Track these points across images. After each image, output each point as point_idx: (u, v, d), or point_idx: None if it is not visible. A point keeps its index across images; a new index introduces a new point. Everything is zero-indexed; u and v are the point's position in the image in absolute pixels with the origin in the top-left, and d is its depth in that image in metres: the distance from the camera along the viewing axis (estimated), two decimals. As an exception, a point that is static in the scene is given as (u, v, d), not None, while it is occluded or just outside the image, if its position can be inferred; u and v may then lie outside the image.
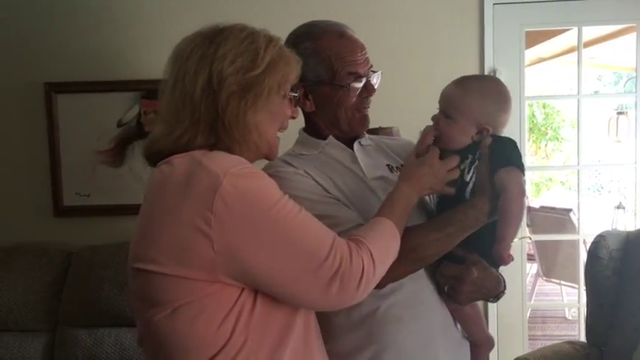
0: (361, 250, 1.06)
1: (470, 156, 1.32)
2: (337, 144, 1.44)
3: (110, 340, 2.36)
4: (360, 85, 1.39)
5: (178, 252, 1.01)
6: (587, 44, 3.06)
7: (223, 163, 1.03)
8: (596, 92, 7.17)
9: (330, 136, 1.43)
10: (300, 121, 1.48)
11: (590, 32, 3.32)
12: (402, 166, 1.45)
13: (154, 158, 1.15)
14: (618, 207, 4.94)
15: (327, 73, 1.36)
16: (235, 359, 1.05)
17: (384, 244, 1.12)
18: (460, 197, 1.31)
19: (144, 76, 2.61)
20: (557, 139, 8.16)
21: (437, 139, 1.34)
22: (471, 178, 1.31)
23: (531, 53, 3.93)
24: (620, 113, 6.14)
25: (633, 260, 2.13)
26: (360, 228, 1.16)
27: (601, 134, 6.59)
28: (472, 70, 2.60)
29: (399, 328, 1.31)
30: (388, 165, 1.46)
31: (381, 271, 1.10)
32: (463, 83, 1.36)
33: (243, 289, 1.06)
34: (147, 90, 2.62)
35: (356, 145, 1.45)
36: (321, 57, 1.36)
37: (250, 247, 1.01)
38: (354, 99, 1.39)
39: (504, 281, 1.42)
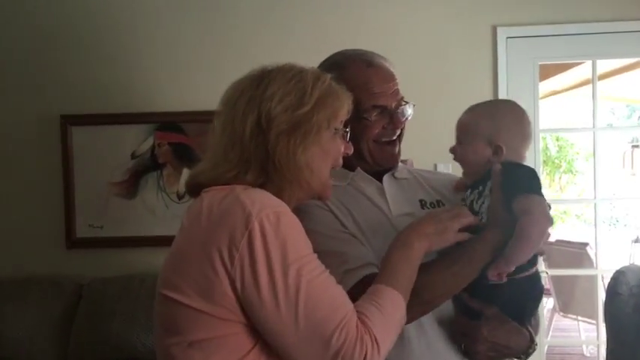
0: (366, 334, 1.01)
1: (480, 186, 1.26)
2: (365, 176, 1.39)
3: (120, 375, 2.33)
4: (383, 117, 1.34)
5: (202, 285, 1.00)
6: (600, 77, 3.04)
7: (260, 202, 1.01)
8: (609, 125, 7.14)
9: (359, 168, 1.38)
10: None
11: (603, 65, 3.31)
12: (437, 201, 1.39)
13: (195, 190, 1.14)
14: (636, 241, 4.86)
15: (351, 104, 1.31)
16: None
17: (388, 320, 1.06)
18: (474, 229, 1.21)
19: (158, 108, 2.65)
20: (571, 171, 8.12)
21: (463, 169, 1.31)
22: (480, 209, 1.24)
23: (545, 86, 3.93)
24: (635, 146, 6.10)
25: (654, 296, 2.08)
26: (363, 300, 1.07)
27: (615, 167, 6.55)
28: (486, 103, 2.59)
29: None
30: (421, 200, 1.38)
31: (387, 348, 1.05)
32: (473, 108, 1.34)
33: (259, 339, 1.03)
34: (161, 122, 2.65)
35: (386, 178, 1.39)
36: (345, 87, 1.33)
37: (263, 297, 0.98)
38: (376, 131, 1.34)
39: (532, 335, 1.29)
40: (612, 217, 7.55)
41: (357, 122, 1.32)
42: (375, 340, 1.01)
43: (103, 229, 2.68)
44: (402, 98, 1.38)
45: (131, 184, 2.67)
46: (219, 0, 2.66)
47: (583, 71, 3.61)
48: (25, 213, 2.70)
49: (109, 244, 2.67)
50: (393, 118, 1.35)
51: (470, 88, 2.60)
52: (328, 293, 1.02)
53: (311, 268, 1.01)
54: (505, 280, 1.19)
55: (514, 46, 2.59)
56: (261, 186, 1.09)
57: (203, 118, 2.56)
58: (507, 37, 2.58)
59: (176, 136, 2.67)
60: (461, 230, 1.18)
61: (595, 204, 2.80)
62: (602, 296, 3.05)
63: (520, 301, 1.27)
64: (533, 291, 1.29)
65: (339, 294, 1.04)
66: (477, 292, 1.23)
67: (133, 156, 2.67)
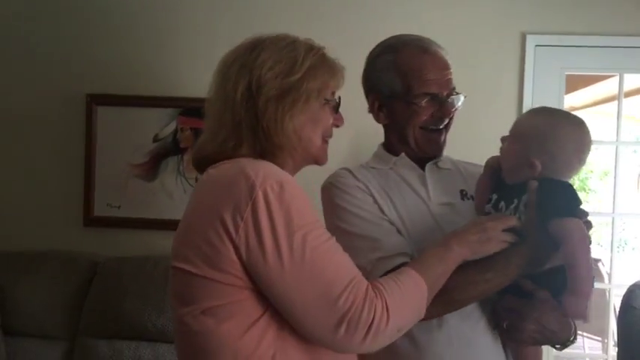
0: (377, 298, 1.02)
1: (515, 200, 1.25)
2: (408, 162, 1.40)
3: (129, 353, 2.34)
4: (433, 104, 1.35)
5: (210, 254, 1.03)
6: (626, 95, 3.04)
7: (264, 173, 1.04)
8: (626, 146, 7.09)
9: (403, 154, 1.40)
10: (381, 135, 1.48)
11: (626, 83, 3.30)
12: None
13: (202, 164, 1.17)
14: (647, 262, 4.82)
15: (402, 88, 1.33)
16: None
17: (404, 296, 1.07)
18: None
19: (183, 93, 2.66)
20: (584, 189, 8.07)
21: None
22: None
23: (568, 100, 3.92)
24: (650, 168, 6.06)
25: (669, 313, 2.07)
26: (386, 277, 1.10)
27: (629, 188, 6.50)
28: (510, 110, 2.59)
29: None
30: (462, 191, 1.39)
31: (396, 325, 1.05)
32: (537, 111, 1.31)
33: (269, 306, 1.05)
34: (185, 107, 2.66)
35: (428, 166, 1.40)
36: (398, 71, 1.34)
37: (268, 264, 1.00)
38: (424, 118, 1.36)
39: (575, 328, 1.30)
40: (621, 239, 7.49)
41: (405, 106, 1.34)
42: (386, 307, 1.02)
43: (121, 209, 2.69)
44: (454, 88, 1.39)
45: (151, 167, 2.68)
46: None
47: (605, 87, 3.60)
48: (46, 189, 2.73)
49: (125, 225, 2.68)
50: (442, 107, 1.36)
51: (496, 93, 2.60)
52: (335, 259, 1.04)
53: (316, 235, 1.03)
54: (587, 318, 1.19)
55: (542, 54, 2.59)
56: (260, 156, 1.11)
57: (227, 105, 2.62)
58: (536, 45, 2.57)
59: (199, 121, 2.66)
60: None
61: (613, 218, 2.79)
62: (612, 313, 3.04)
63: None
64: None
65: (346, 260, 1.06)
66: (528, 275, 1.23)
67: (156, 139, 2.68)
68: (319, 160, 1.21)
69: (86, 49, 2.72)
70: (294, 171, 1.20)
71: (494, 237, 1.19)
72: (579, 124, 1.30)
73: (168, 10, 2.69)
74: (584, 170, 8.35)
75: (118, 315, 2.36)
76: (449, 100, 1.37)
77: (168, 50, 2.70)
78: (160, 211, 2.66)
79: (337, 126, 1.23)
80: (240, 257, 1.01)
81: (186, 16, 2.69)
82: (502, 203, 1.28)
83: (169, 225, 2.61)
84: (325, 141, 1.21)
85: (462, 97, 1.40)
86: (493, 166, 1.32)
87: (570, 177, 1.30)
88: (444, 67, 1.38)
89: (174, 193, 2.68)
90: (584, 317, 1.19)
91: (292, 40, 1.17)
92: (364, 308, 1.00)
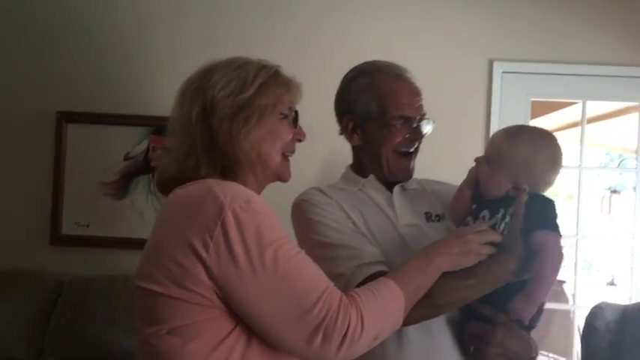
0: (351, 307, 1.03)
1: (502, 210, 1.27)
2: (377, 184, 1.44)
3: (95, 375, 2.30)
4: (406, 128, 1.40)
5: (177, 274, 1.03)
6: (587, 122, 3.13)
7: (233, 193, 1.05)
8: (590, 170, 7.27)
9: (372, 175, 1.43)
10: (349, 157, 1.51)
11: (589, 110, 3.40)
12: (442, 214, 1.43)
13: (166, 186, 1.17)
14: (610, 283, 4.94)
15: (377, 110, 1.38)
16: None
17: (380, 304, 1.08)
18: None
19: (155, 112, 2.64)
20: (549, 212, 8.22)
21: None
22: (502, 234, 1.26)
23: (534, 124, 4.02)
24: (613, 192, 6.23)
25: (630, 334, 2.12)
26: (362, 287, 1.12)
27: (594, 211, 6.66)
28: (478, 134, 2.65)
29: None
30: (427, 213, 1.43)
31: (372, 333, 1.06)
32: (514, 135, 1.32)
33: (238, 322, 1.06)
34: (157, 126, 2.65)
35: (396, 189, 1.44)
36: (374, 94, 1.38)
37: (241, 279, 1.01)
38: (398, 139, 1.40)
39: (536, 346, 1.34)
40: (585, 261, 7.65)
41: (380, 128, 1.39)
42: (361, 316, 1.03)
43: (90, 228, 2.66)
44: (425, 114, 1.44)
45: (122, 185, 2.67)
46: (223, 9, 2.69)
47: (569, 114, 3.71)
48: (13, 206, 2.69)
49: (94, 243, 2.65)
50: (414, 131, 1.42)
51: (464, 118, 2.66)
52: (307, 270, 1.05)
53: (287, 249, 1.04)
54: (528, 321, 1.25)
55: (509, 80, 2.66)
56: (222, 176, 1.13)
57: (200, 125, 2.63)
58: (503, 72, 2.65)
59: (171, 141, 2.68)
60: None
61: (577, 240, 2.86)
62: (576, 334, 3.10)
63: None
64: (541, 305, 1.32)
65: (318, 271, 1.07)
66: (488, 300, 1.27)
67: (127, 157, 2.67)
68: (281, 176, 1.22)
69: (57, 66, 2.71)
70: (258, 189, 1.21)
71: (475, 249, 1.22)
72: (554, 141, 1.35)
73: (141, 28, 2.70)
74: (550, 193, 8.52)
75: (83, 336, 2.32)
76: (420, 124, 1.42)
77: (140, 68, 2.70)
78: (130, 229, 2.64)
79: (300, 140, 1.25)
80: (211, 277, 1.01)
81: (158, 34, 2.70)
82: (485, 212, 1.31)
83: (139, 244, 2.53)
84: (286, 157, 1.23)
85: (431, 123, 1.45)
86: (475, 179, 1.35)
87: (545, 190, 1.34)
88: (416, 93, 1.44)
89: (144, 212, 2.67)
90: (526, 320, 1.25)
91: (244, 62, 1.20)
92: (338, 317, 1.01)
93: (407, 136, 1.41)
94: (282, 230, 1.07)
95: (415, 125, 1.41)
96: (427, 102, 2.58)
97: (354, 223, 1.34)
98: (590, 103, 2.78)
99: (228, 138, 1.12)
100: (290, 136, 1.22)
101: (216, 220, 1.01)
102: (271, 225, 1.06)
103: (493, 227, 1.27)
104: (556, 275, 1.24)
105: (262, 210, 1.06)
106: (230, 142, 1.13)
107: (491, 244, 1.24)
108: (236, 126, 1.13)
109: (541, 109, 3.51)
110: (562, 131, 4.50)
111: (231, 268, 1.01)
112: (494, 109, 2.65)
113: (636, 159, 2.76)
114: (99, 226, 2.66)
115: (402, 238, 1.36)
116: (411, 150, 1.43)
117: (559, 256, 1.24)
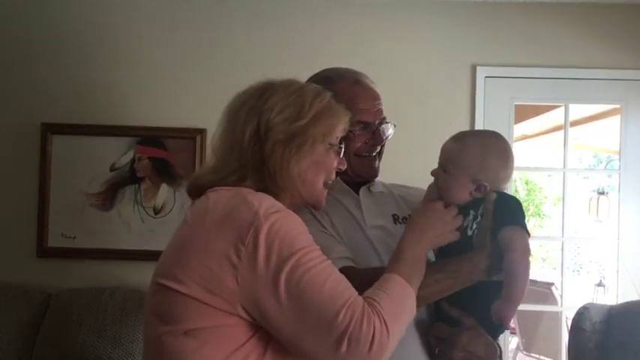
0: (373, 314, 1.03)
1: (472, 212, 1.29)
2: (343, 187, 1.45)
3: (83, 387, 2.28)
4: (365, 133, 1.42)
5: (205, 277, 1.03)
6: (571, 124, 3.17)
7: (267, 203, 1.07)
8: (577, 173, 7.33)
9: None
10: None
11: (574, 113, 3.45)
12: (409, 216, 1.43)
13: (195, 192, 1.19)
14: (599, 284, 4.98)
15: None
16: None
17: (397, 304, 1.09)
18: (464, 249, 1.27)
19: (141, 122, 2.67)
20: (538, 215, 8.28)
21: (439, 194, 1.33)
22: (473, 234, 1.27)
23: (518, 129, 4.06)
24: (600, 193, 6.27)
25: (615, 334, 2.14)
26: (372, 288, 1.11)
27: (582, 213, 6.71)
28: (462, 138, 2.66)
29: None
30: (394, 215, 1.45)
31: (397, 332, 1.06)
32: (461, 138, 1.35)
33: (256, 332, 1.06)
34: (143, 136, 2.66)
35: (362, 191, 1.46)
36: None
37: (267, 287, 1.02)
38: (358, 145, 1.42)
39: (500, 350, 1.36)
40: (577, 263, 7.70)
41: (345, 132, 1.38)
42: (384, 321, 1.03)
43: (76, 240, 2.65)
44: (385, 118, 1.46)
45: (108, 196, 2.66)
46: (208, 21, 2.70)
47: (554, 116, 3.75)
48: (-2, 218, 2.67)
49: (81, 255, 2.64)
50: (375, 135, 1.43)
51: (448, 123, 2.66)
52: (331, 278, 1.05)
53: (312, 257, 1.05)
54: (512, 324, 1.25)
55: (492, 85, 2.69)
56: (262, 191, 1.14)
57: (185, 134, 2.65)
58: (486, 76, 2.68)
59: (157, 151, 2.68)
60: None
61: (563, 242, 2.88)
62: (564, 335, 3.12)
63: None
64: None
65: (342, 280, 1.07)
66: (456, 302, 1.28)
67: (113, 168, 2.67)
68: (318, 204, 1.25)
69: (41, 78, 2.70)
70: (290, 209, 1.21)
71: (450, 228, 1.25)
72: (502, 138, 1.38)
73: (126, 39, 2.71)
74: (539, 196, 8.60)
75: (72, 348, 2.31)
76: (380, 128, 1.44)
77: (125, 79, 2.70)
78: (117, 241, 2.64)
79: (340, 170, 1.27)
80: (239, 283, 1.02)
81: (144, 45, 2.71)
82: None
83: (126, 255, 2.62)
84: (326, 185, 1.25)
85: (392, 126, 1.47)
86: (436, 192, 1.36)
87: (505, 188, 1.36)
88: (375, 97, 1.45)
89: (131, 223, 2.66)
90: (508, 323, 1.26)
91: (301, 86, 1.22)
92: (362, 323, 1.01)
93: (367, 140, 1.43)
94: (309, 239, 1.08)
95: (375, 130, 1.43)
96: (411, 107, 2.64)
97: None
98: (576, 106, 2.81)
99: (279, 163, 1.14)
100: (334, 165, 1.24)
101: (249, 227, 1.02)
102: (300, 234, 1.07)
103: (465, 229, 1.28)
104: (528, 272, 1.24)
105: (294, 220, 1.08)
106: (280, 166, 1.15)
107: (464, 240, 1.26)
108: (288, 153, 1.15)
109: (525, 113, 3.55)
110: (547, 134, 4.55)
111: (260, 275, 1.02)
112: (478, 113, 2.68)
113: (620, 160, 2.79)
114: (85, 237, 2.65)
115: (369, 239, 1.38)
116: (373, 154, 1.45)
117: (526, 251, 1.25)
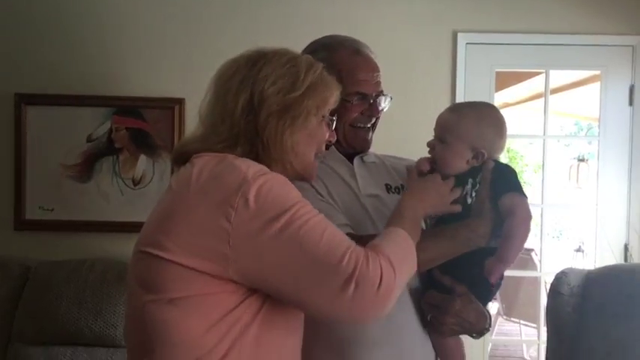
0: (378, 256, 1.03)
1: (470, 180, 1.31)
2: (338, 156, 1.45)
3: (65, 359, 2.28)
4: (362, 104, 1.41)
5: (193, 243, 1.02)
6: (552, 91, 3.18)
7: (255, 167, 1.06)
8: (558, 140, 7.39)
9: (332, 147, 1.44)
10: None
11: (555, 80, 3.45)
12: (401, 186, 1.46)
13: (180, 160, 1.17)
14: (577, 250, 5.06)
15: None
16: None
17: (401, 249, 1.10)
18: (461, 216, 1.29)
19: (117, 92, 2.61)
20: (519, 182, 8.36)
21: (434, 164, 1.34)
22: (472, 201, 1.30)
23: (499, 97, 4.06)
24: (580, 160, 6.35)
25: (593, 297, 2.17)
26: (374, 239, 1.12)
27: (562, 180, 6.79)
28: (443, 106, 2.62)
29: (372, 351, 1.28)
30: (387, 184, 1.46)
31: (403, 277, 1.07)
32: (458, 108, 1.39)
33: (243, 300, 1.05)
34: (120, 106, 2.61)
35: (356, 160, 1.47)
36: (332, 69, 1.34)
37: (263, 246, 1.01)
38: (354, 115, 1.42)
39: (490, 317, 1.39)
40: (557, 229, 7.81)
41: (337, 104, 1.37)
42: (390, 262, 1.03)
43: (54, 212, 2.62)
44: (382, 91, 1.45)
45: (85, 168, 2.62)
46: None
47: (535, 84, 3.75)
48: (-28, 191, 2.62)
49: (59, 228, 2.61)
50: (371, 106, 1.43)
51: (429, 91, 2.66)
52: (328, 230, 1.05)
53: (307, 210, 1.05)
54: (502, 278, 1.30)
55: (473, 52, 2.67)
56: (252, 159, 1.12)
57: (163, 104, 2.60)
58: (467, 43, 2.65)
59: (134, 121, 2.63)
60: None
61: (542, 209, 2.91)
62: (544, 300, 3.17)
63: (486, 284, 1.35)
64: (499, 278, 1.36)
65: (339, 232, 1.07)
66: (448, 271, 1.31)
67: (89, 139, 2.62)
68: (310, 176, 1.24)
69: (14, 47, 2.63)
70: None
71: (448, 198, 1.28)
72: (495, 108, 1.42)
73: (103, 9, 2.63)
74: (520, 164, 8.67)
75: (52, 320, 2.29)
76: (377, 100, 1.44)
77: (101, 48, 2.63)
78: (96, 213, 2.61)
79: (330, 142, 1.27)
80: (231, 245, 1.00)
81: (119, 12, 2.64)
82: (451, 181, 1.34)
83: (106, 227, 2.60)
84: (317, 157, 1.24)
85: (388, 99, 1.47)
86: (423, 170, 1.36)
87: (499, 158, 1.39)
88: (374, 69, 1.45)
89: (110, 195, 2.63)
90: (494, 280, 1.30)
91: (294, 56, 1.20)
92: (369, 265, 1.00)
93: (363, 111, 1.43)
94: (299, 195, 1.08)
95: (372, 101, 1.43)
96: (392, 74, 2.58)
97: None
98: (556, 74, 2.80)
99: (273, 134, 1.13)
100: (326, 138, 1.24)
101: (237, 190, 1.01)
102: (289, 191, 1.07)
103: (465, 197, 1.30)
104: (527, 235, 1.28)
105: (282, 179, 1.08)
106: (274, 138, 1.14)
107: (463, 213, 1.28)
108: (282, 125, 1.14)
109: (506, 80, 3.54)
110: (528, 102, 4.56)
111: (254, 235, 1.00)
112: (459, 80, 2.66)
113: (599, 127, 2.80)
114: (63, 209, 2.62)
115: (365, 207, 1.39)
116: (368, 125, 1.46)
117: (528, 217, 1.27)
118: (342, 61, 1.40)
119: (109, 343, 2.27)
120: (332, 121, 1.24)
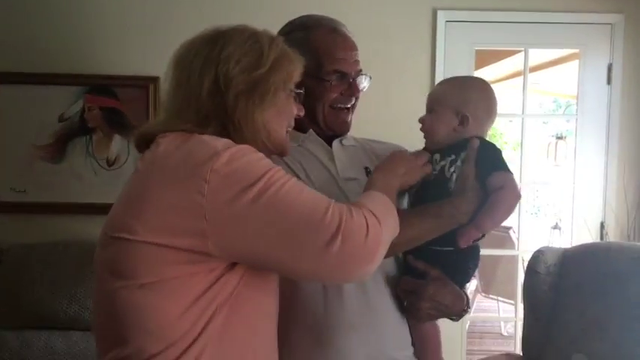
0: (361, 209, 1.03)
1: (453, 155, 1.31)
2: (317, 139, 1.43)
3: (39, 343, 2.25)
4: (342, 83, 1.39)
5: (167, 222, 0.99)
6: (531, 70, 3.17)
7: (224, 141, 1.04)
8: (537, 119, 7.42)
9: (311, 130, 1.43)
10: None
11: (535, 58, 3.44)
12: None
13: (143, 144, 1.14)
14: (554, 227, 5.10)
15: (313, 65, 1.34)
16: (187, 352, 1.02)
17: (382, 207, 1.09)
18: (442, 193, 1.29)
19: (89, 70, 2.56)
20: (498, 160, 8.41)
21: (426, 139, 1.36)
22: (451, 176, 1.30)
23: (478, 75, 4.04)
24: (559, 138, 6.39)
25: (569, 275, 2.20)
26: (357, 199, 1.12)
27: (541, 158, 6.83)
28: (423, 84, 2.64)
29: (349, 335, 1.28)
30: (366, 168, 1.44)
31: (389, 230, 1.06)
32: (446, 80, 1.42)
33: (216, 280, 1.03)
34: (92, 85, 2.55)
35: (335, 143, 1.45)
36: (309, 48, 1.35)
37: (241, 216, 0.98)
38: (334, 95, 1.39)
39: (468, 299, 1.39)
40: (535, 206, 7.89)
41: (316, 83, 1.37)
42: (373, 213, 1.03)
43: (27, 194, 2.56)
44: (361, 70, 1.43)
45: (58, 149, 2.56)
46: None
47: (515, 62, 3.74)
48: (-59, 173, 2.55)
49: (32, 210, 2.56)
50: (351, 86, 1.40)
51: (409, 68, 2.64)
52: (305, 190, 1.04)
53: (281, 175, 1.03)
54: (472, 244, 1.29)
55: (453, 29, 2.65)
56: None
57: (137, 83, 2.54)
58: (446, 21, 2.63)
59: (107, 100, 2.57)
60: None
61: (520, 187, 2.91)
62: (521, 277, 3.20)
63: (462, 266, 1.36)
64: (474, 259, 1.38)
65: (315, 192, 1.06)
66: (422, 256, 1.31)
67: (61, 119, 2.56)
68: (284, 151, 1.22)
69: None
70: None
71: (416, 166, 1.30)
72: (478, 78, 1.45)
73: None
74: (500, 142, 8.71)
75: (27, 304, 2.26)
76: (357, 79, 1.41)
77: (73, 25, 2.56)
78: (70, 194, 2.56)
79: (299, 116, 1.24)
80: (207, 219, 0.97)
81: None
82: (436, 155, 1.34)
83: (80, 208, 2.55)
84: (287, 131, 1.22)
85: (368, 78, 1.45)
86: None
87: (488, 130, 1.39)
88: (352, 47, 1.42)
89: (84, 175, 2.58)
90: (463, 245, 1.28)
91: (254, 32, 1.16)
92: (353, 217, 1.00)
93: (343, 91, 1.40)
94: (271, 162, 1.06)
95: (351, 80, 1.40)
96: (372, 52, 2.56)
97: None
98: (535, 52, 2.79)
99: (243, 114, 1.11)
100: (294, 112, 1.22)
101: (209, 164, 0.98)
102: (261, 159, 1.05)
103: (442, 169, 1.31)
104: (509, 212, 1.27)
105: (250, 148, 1.05)
106: (245, 118, 1.11)
107: (444, 185, 1.29)
108: (252, 104, 1.11)
109: (486, 59, 3.52)
110: (507, 80, 4.56)
111: (231, 206, 0.98)
112: (439, 58, 2.64)
113: (577, 105, 2.80)
114: (36, 191, 2.56)
115: (343, 191, 1.37)
116: (348, 105, 1.43)
117: (516, 196, 1.27)
118: (320, 40, 1.38)
119: (84, 326, 2.25)
120: (299, 94, 1.23)
